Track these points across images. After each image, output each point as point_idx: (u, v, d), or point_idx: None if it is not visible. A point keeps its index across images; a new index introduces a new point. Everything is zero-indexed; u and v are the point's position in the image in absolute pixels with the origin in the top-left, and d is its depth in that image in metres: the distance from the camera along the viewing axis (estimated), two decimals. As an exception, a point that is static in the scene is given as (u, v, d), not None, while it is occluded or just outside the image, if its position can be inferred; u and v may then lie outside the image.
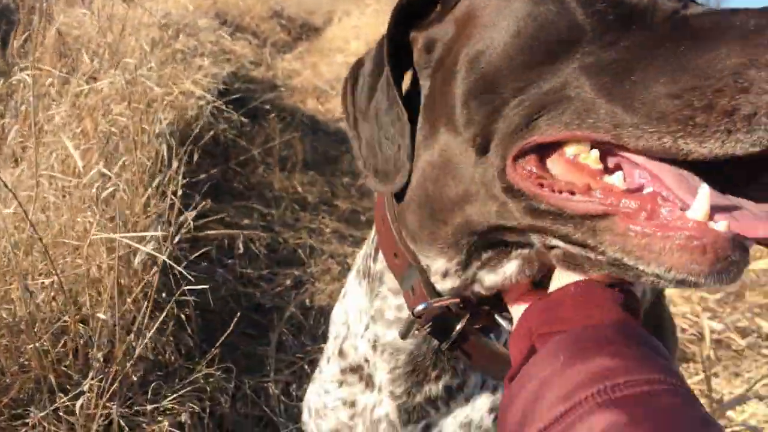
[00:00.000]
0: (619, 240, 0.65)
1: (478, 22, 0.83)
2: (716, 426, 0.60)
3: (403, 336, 0.97)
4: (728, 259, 0.60)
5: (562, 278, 0.78)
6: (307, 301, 2.90)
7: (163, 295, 2.28)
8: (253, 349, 2.57)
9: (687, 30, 0.66)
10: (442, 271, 0.91)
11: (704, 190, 0.61)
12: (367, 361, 1.09)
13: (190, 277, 2.01)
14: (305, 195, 4.10)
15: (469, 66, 0.80)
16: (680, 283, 0.63)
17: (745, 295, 3.20)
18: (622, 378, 0.61)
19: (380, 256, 1.05)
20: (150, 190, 2.38)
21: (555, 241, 0.73)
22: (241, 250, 3.06)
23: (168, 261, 2.04)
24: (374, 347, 1.06)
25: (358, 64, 1.02)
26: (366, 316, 1.09)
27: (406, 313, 1.00)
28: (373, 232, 1.14)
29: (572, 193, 0.68)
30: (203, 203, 3.54)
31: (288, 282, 3.04)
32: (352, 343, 1.13)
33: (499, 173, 0.75)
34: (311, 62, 7.38)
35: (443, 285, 0.92)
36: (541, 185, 0.71)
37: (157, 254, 1.97)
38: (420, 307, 0.93)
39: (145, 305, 2.02)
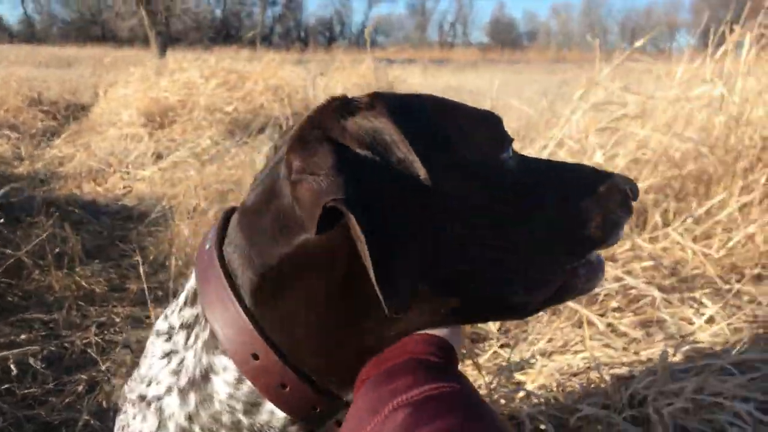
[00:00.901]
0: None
1: None
2: (480, 404, 0.78)
3: None
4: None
5: None
6: (104, 402, 2.72)
7: None
8: (49, 475, 2.36)
9: (553, 182, 0.97)
10: None
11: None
12: None
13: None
14: (92, 288, 3.84)
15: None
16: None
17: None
18: (415, 389, 0.77)
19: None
20: None
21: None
22: (15, 372, 2.79)
23: None
24: None
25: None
26: None
27: None
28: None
29: None
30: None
31: (80, 388, 2.82)
32: None
33: None
34: (83, 143, 6.97)
35: None
36: None
37: None
38: None
39: None
